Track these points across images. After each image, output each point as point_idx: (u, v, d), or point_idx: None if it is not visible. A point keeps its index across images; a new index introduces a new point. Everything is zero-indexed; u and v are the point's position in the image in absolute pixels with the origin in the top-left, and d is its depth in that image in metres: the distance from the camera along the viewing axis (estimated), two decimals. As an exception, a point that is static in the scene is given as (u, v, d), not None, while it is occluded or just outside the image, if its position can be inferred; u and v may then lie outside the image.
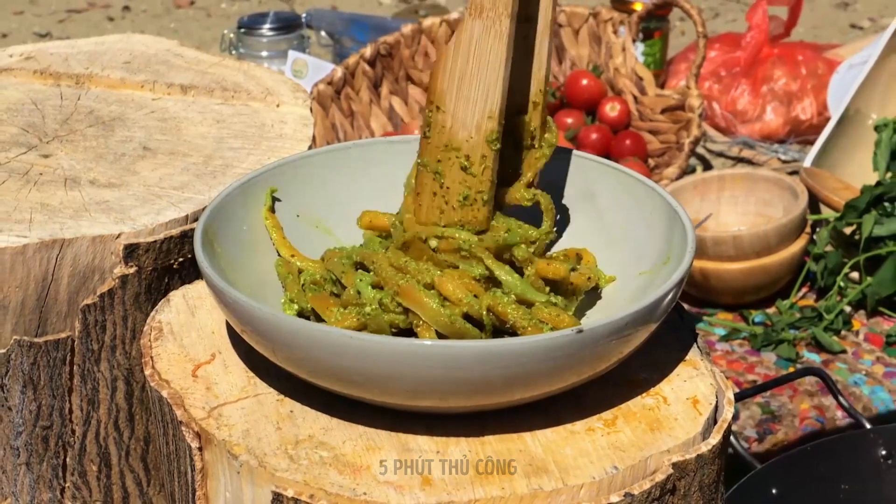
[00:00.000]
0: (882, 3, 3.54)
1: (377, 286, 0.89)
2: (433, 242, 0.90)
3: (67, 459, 1.12)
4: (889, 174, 2.06)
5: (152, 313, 0.98)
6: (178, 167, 1.18)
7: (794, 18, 2.54)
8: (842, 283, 1.94)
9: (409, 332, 0.88)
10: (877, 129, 2.11)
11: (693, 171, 2.34)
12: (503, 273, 0.89)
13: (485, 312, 0.87)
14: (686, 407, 0.87)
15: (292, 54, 2.45)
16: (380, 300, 0.88)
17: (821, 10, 2.64)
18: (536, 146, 0.94)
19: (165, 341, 0.94)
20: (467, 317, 0.87)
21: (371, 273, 0.91)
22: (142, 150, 1.21)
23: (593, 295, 0.95)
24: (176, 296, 1.00)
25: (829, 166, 2.14)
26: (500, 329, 0.88)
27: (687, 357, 0.92)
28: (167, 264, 1.09)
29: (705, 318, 1.95)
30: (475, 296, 0.88)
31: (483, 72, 0.89)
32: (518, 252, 0.92)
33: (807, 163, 2.16)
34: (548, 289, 0.92)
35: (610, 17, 2.44)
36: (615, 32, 2.43)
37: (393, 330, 0.88)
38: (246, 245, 0.96)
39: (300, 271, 0.96)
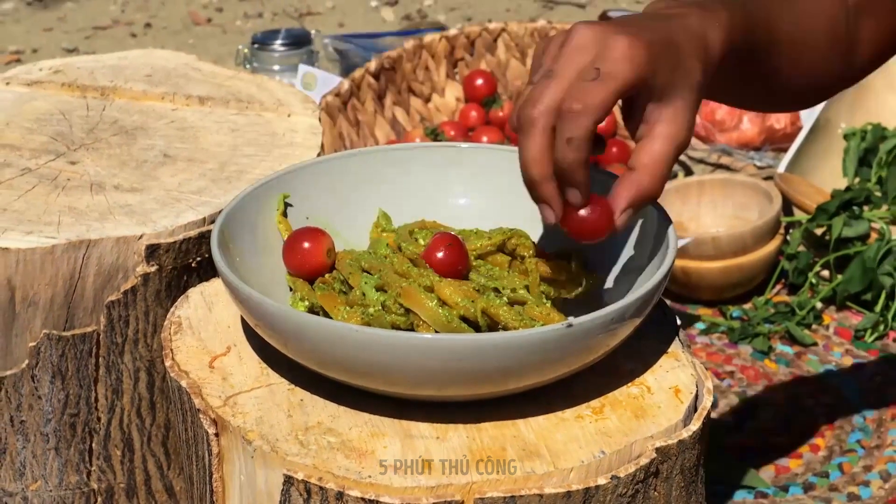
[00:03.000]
0: (850, 21, 3.53)
1: (381, 289, 0.89)
2: None
3: (93, 445, 1.12)
4: (857, 180, 2.06)
5: (172, 309, 0.98)
6: (196, 173, 1.18)
7: None
8: (813, 281, 1.94)
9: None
10: (846, 137, 2.11)
11: (675, 176, 2.34)
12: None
13: (479, 314, 0.87)
14: (668, 396, 0.87)
15: (302, 68, 2.45)
16: (383, 302, 0.88)
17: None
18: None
19: (184, 335, 0.94)
20: (464, 319, 0.87)
21: (376, 276, 0.91)
22: (162, 158, 1.21)
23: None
24: (194, 293, 1.00)
25: (801, 172, 2.14)
26: (494, 329, 0.88)
27: (669, 349, 0.92)
28: (186, 263, 1.09)
29: (690, 313, 1.95)
30: (472, 301, 0.88)
31: None
32: (522, 250, 0.93)
33: (781, 169, 2.16)
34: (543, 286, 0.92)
35: (598, 33, 2.44)
36: (602, 48, 2.42)
37: (394, 329, 0.88)
38: (259, 245, 0.96)
39: (310, 271, 0.96)
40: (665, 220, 0.92)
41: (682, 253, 1.91)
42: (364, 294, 0.89)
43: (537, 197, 0.84)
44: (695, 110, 0.86)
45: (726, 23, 0.89)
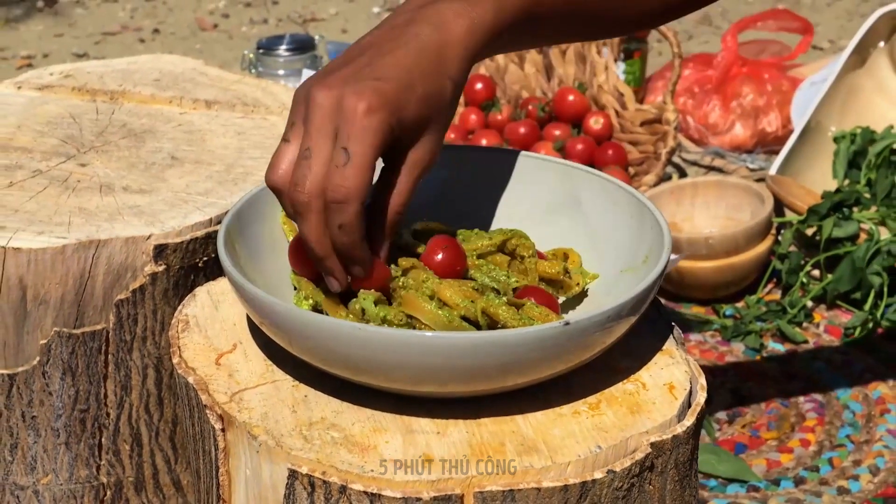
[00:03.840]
0: (839, 27, 3.54)
1: (378, 302, 0.89)
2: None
3: (103, 440, 1.12)
4: (847, 181, 2.06)
5: (179, 307, 0.98)
6: (202, 175, 1.18)
7: (805, 45, 2.54)
8: (804, 280, 1.94)
9: None
10: (835, 140, 2.11)
11: (669, 178, 2.34)
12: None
13: (479, 314, 0.87)
14: (663, 392, 0.87)
15: (306, 72, 2.45)
16: (383, 317, 0.87)
17: (785, 34, 2.64)
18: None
19: (191, 333, 0.94)
20: (464, 319, 0.87)
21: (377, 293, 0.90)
22: (170, 160, 1.21)
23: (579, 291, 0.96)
24: (201, 291, 1.00)
25: (792, 174, 2.14)
26: (494, 329, 0.88)
27: (664, 347, 0.92)
28: (193, 263, 1.09)
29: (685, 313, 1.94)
30: (472, 301, 0.88)
31: None
32: (522, 251, 0.93)
33: (772, 171, 2.16)
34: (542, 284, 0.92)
35: (594, 39, 2.44)
36: (599, 53, 2.43)
37: None
38: (264, 245, 0.96)
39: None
40: (659, 222, 0.92)
41: (675, 252, 1.91)
42: (364, 310, 0.89)
43: (323, 270, 0.88)
44: (443, 130, 0.88)
45: (491, 9, 0.88)
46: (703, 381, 0.89)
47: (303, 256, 0.94)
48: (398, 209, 0.87)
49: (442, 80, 0.87)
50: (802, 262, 1.95)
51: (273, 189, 0.87)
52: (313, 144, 0.84)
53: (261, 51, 2.56)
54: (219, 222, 1.10)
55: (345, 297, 0.91)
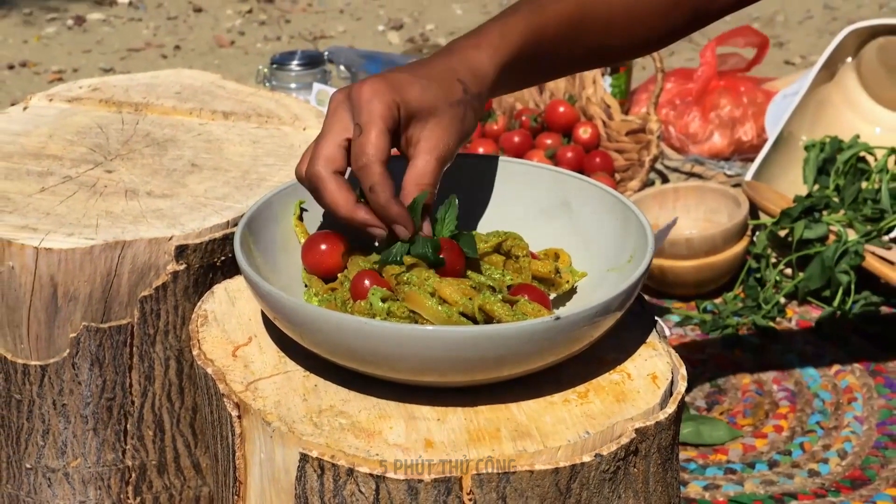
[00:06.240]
0: (810, 43, 3.54)
1: (386, 298, 0.89)
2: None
3: (128, 426, 1.12)
4: (816, 187, 2.06)
5: (199, 303, 0.98)
6: (220, 181, 1.18)
7: (760, 57, 2.54)
8: (777, 278, 1.94)
9: None
10: (806, 148, 2.11)
11: (652, 184, 2.34)
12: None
13: (477, 311, 0.87)
14: (647, 382, 0.87)
15: (316, 86, 2.45)
16: (388, 309, 0.87)
17: (751, 49, 2.64)
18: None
19: (210, 327, 0.94)
20: (463, 315, 0.87)
21: (383, 289, 0.90)
22: (190, 167, 1.21)
23: (569, 288, 0.95)
24: (219, 289, 1.00)
25: (766, 180, 2.14)
26: (490, 324, 0.87)
27: (647, 340, 0.92)
28: (211, 262, 1.09)
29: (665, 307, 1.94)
30: (469, 298, 0.88)
31: None
32: (516, 251, 0.93)
33: (748, 177, 2.16)
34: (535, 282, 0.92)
35: (583, 54, 2.43)
36: (587, 68, 2.42)
37: None
38: (277, 246, 0.96)
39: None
40: (643, 223, 0.92)
41: (658, 252, 1.91)
42: (371, 305, 0.89)
43: (360, 225, 0.89)
44: (457, 123, 0.90)
45: (497, 43, 0.92)
46: (683, 371, 0.89)
47: (316, 256, 0.94)
48: (418, 181, 0.89)
49: (451, 79, 0.90)
50: (776, 262, 1.95)
51: (298, 179, 0.91)
52: (325, 129, 0.89)
53: (274, 66, 2.55)
54: (235, 224, 1.10)
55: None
